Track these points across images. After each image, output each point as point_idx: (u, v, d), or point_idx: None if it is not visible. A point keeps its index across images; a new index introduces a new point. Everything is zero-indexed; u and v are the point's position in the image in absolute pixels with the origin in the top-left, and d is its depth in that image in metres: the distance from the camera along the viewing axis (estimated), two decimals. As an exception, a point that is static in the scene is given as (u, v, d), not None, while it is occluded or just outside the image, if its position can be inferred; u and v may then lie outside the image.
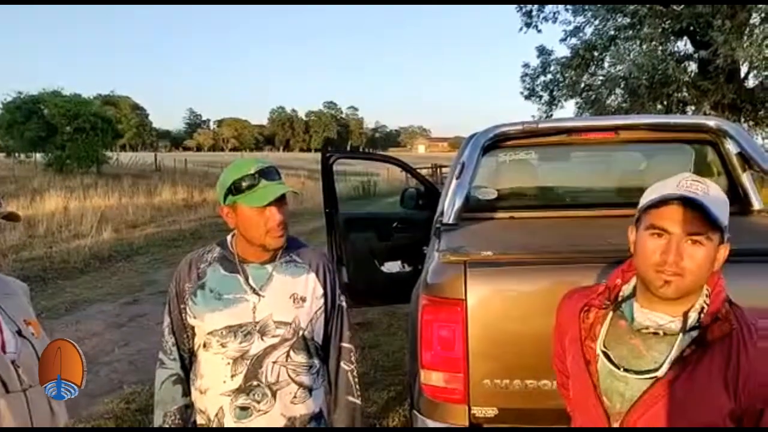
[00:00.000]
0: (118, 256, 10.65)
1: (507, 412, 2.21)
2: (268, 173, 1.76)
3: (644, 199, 1.31)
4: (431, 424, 2.31)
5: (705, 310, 1.27)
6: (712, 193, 1.24)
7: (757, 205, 3.20)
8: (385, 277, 4.43)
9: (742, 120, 15.18)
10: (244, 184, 1.73)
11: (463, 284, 2.18)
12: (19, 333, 1.56)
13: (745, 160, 3.12)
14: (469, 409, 2.23)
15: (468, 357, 2.20)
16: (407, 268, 4.46)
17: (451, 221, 2.84)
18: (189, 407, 1.87)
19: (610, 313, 1.37)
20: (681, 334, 1.26)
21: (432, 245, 2.78)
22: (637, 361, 1.31)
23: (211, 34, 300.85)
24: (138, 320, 6.72)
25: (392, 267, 4.51)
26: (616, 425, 1.32)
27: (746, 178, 3.21)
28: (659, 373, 1.27)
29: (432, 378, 2.27)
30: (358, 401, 1.95)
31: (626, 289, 1.38)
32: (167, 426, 1.83)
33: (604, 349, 1.35)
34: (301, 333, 1.81)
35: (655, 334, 1.29)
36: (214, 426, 1.80)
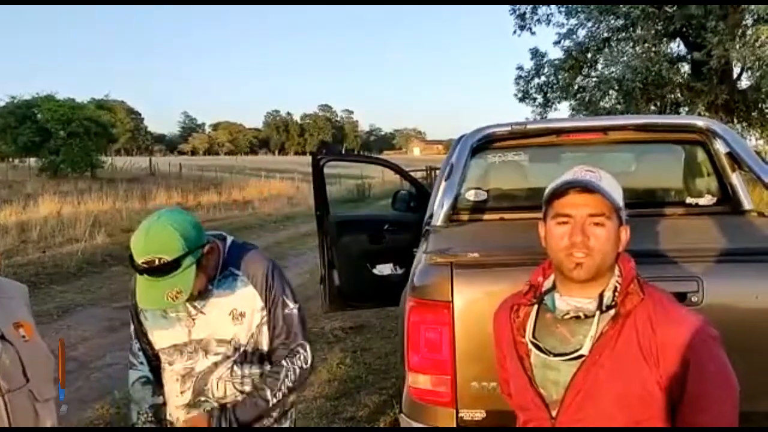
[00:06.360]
0: (111, 260, 10.57)
1: (495, 414, 2.19)
2: (154, 271, 1.60)
3: (546, 195, 1.42)
4: (418, 427, 2.29)
5: (618, 289, 1.37)
6: (605, 179, 1.38)
7: (747, 205, 3.19)
8: (377, 280, 4.41)
9: (735, 121, 15.26)
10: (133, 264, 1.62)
11: (449, 286, 2.17)
12: (2, 337, 1.55)
13: (735, 160, 3.11)
14: (457, 412, 2.22)
15: (455, 359, 2.18)
16: (399, 271, 4.44)
17: (439, 223, 2.81)
18: (162, 405, 1.91)
19: (536, 307, 1.46)
20: (598, 313, 1.35)
21: (420, 247, 2.77)
22: (564, 347, 1.39)
23: (206, 37, 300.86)
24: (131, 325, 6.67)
25: (384, 269, 4.49)
26: (554, 413, 1.40)
27: (736, 178, 3.20)
28: (584, 351, 1.35)
29: (419, 381, 2.26)
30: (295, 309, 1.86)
31: (547, 284, 1.47)
32: (141, 422, 1.88)
33: (534, 340, 1.43)
34: (242, 349, 1.81)
35: (577, 318, 1.38)
36: None
